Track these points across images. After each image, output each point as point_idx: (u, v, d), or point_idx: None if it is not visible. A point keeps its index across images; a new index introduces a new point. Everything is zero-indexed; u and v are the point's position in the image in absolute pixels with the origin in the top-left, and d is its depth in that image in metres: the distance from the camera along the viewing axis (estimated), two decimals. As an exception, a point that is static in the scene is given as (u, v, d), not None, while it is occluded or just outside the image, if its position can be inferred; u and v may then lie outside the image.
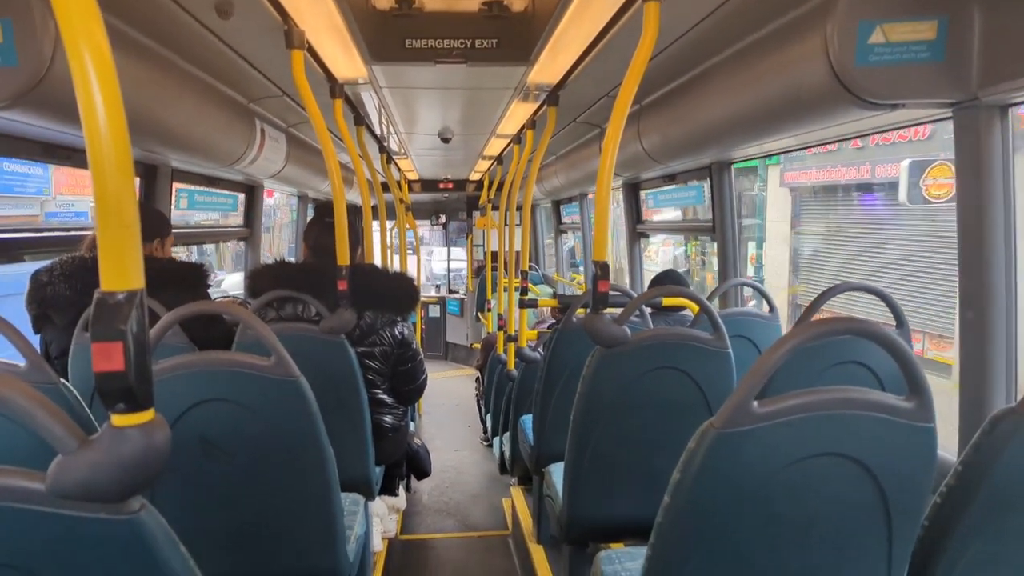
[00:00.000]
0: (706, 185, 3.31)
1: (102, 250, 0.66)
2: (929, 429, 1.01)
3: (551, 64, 2.33)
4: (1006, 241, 1.59)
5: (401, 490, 2.97)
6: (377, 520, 2.67)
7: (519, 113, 3.25)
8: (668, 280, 2.98)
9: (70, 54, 0.63)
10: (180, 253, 3.87)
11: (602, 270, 1.65)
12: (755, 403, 0.97)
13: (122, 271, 0.66)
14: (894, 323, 1.97)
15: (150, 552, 0.75)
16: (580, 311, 2.52)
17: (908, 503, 1.05)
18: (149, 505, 0.74)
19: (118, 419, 0.68)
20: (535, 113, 3.14)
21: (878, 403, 1.00)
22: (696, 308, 2.51)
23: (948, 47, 1.51)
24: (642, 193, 4.37)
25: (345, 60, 2.29)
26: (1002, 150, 1.56)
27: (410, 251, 7.73)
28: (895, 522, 1.05)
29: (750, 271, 8.55)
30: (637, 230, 4.49)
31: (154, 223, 2.44)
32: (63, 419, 0.68)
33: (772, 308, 2.66)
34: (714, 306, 2.78)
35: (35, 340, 2.27)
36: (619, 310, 1.85)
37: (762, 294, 2.78)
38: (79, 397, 1.38)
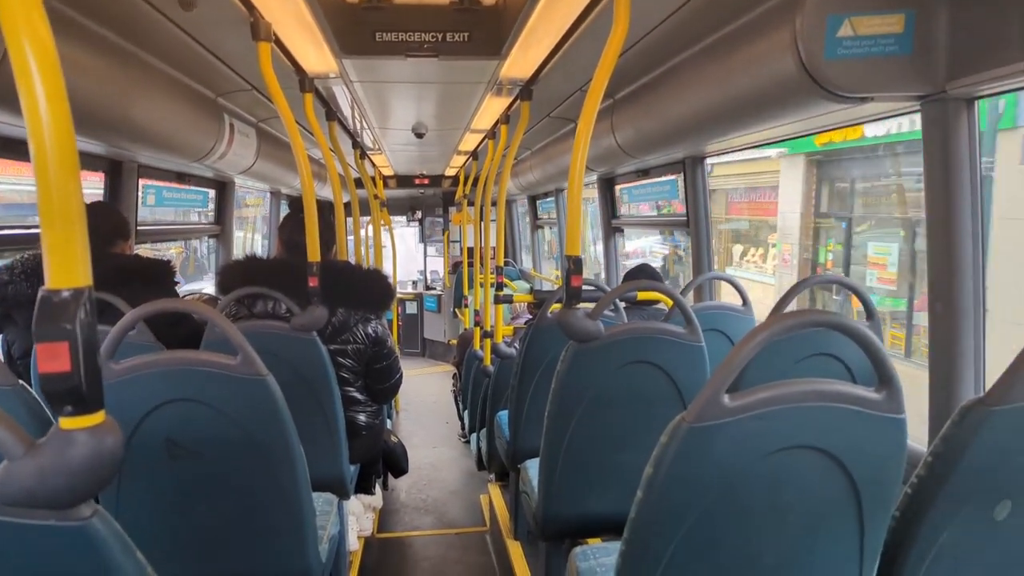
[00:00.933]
0: (679, 179, 3.32)
1: (46, 247, 0.63)
2: (899, 420, 1.02)
3: (523, 58, 2.32)
4: (974, 234, 1.61)
5: (378, 488, 2.95)
6: (353, 519, 2.64)
7: (493, 108, 3.23)
8: (642, 274, 3.00)
9: (9, 43, 0.60)
10: (147, 252, 3.78)
11: (575, 265, 1.64)
12: (726, 397, 0.97)
13: (67, 268, 0.63)
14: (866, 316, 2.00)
15: (103, 559, 0.72)
16: (555, 306, 2.51)
17: (879, 494, 1.05)
18: (102, 510, 0.72)
19: (66, 422, 0.65)
20: (508, 108, 3.12)
21: (848, 395, 1.00)
22: (670, 302, 2.51)
23: (916, 40, 1.52)
24: (617, 188, 4.38)
25: (314, 53, 2.24)
26: (969, 142, 1.59)
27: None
28: (866, 513, 1.05)
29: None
30: (612, 225, 4.50)
31: (121, 224, 2.39)
32: (8, 423, 0.65)
33: (745, 301, 2.68)
34: (688, 300, 2.79)
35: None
36: (593, 305, 1.85)
37: (736, 287, 2.79)
38: (39, 398, 1.34)
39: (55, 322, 0.63)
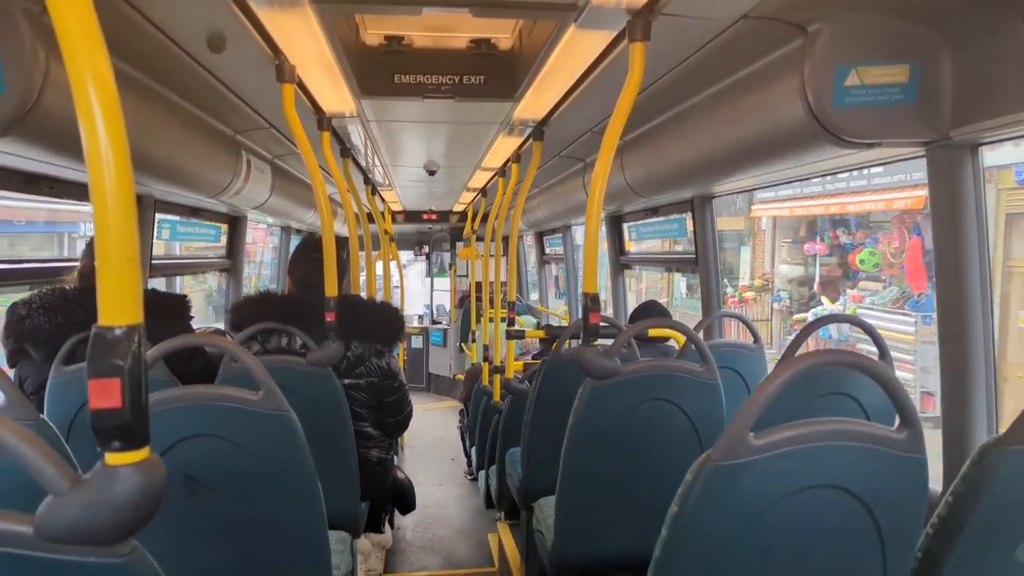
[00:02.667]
0: (688, 218, 3.36)
1: (101, 284, 0.65)
2: (920, 460, 1.03)
3: (537, 100, 2.38)
4: (981, 276, 1.64)
5: (386, 526, 2.91)
6: (362, 558, 2.61)
7: (504, 147, 3.29)
8: (652, 310, 3.01)
9: (74, 85, 0.62)
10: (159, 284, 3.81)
11: (592, 302, 1.66)
12: (752, 435, 0.98)
13: (122, 305, 0.65)
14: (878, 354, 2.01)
15: None
16: (568, 342, 2.52)
17: (902, 534, 1.06)
18: (141, 548, 0.72)
19: (112, 458, 0.66)
20: (520, 147, 3.18)
21: (872, 435, 1.01)
22: (682, 339, 2.52)
23: (920, 89, 1.57)
24: (625, 226, 4.42)
25: (334, 94, 2.31)
26: (974, 187, 1.62)
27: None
28: (889, 553, 1.05)
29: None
30: (621, 262, 4.53)
31: None
32: (54, 458, 0.66)
33: (757, 339, 2.69)
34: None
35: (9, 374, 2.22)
36: (607, 341, 1.86)
37: (747, 325, 2.81)
38: (58, 434, 1.35)
39: (108, 358, 0.64)
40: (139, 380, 0.66)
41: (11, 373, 2.18)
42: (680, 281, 12.54)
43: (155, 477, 0.68)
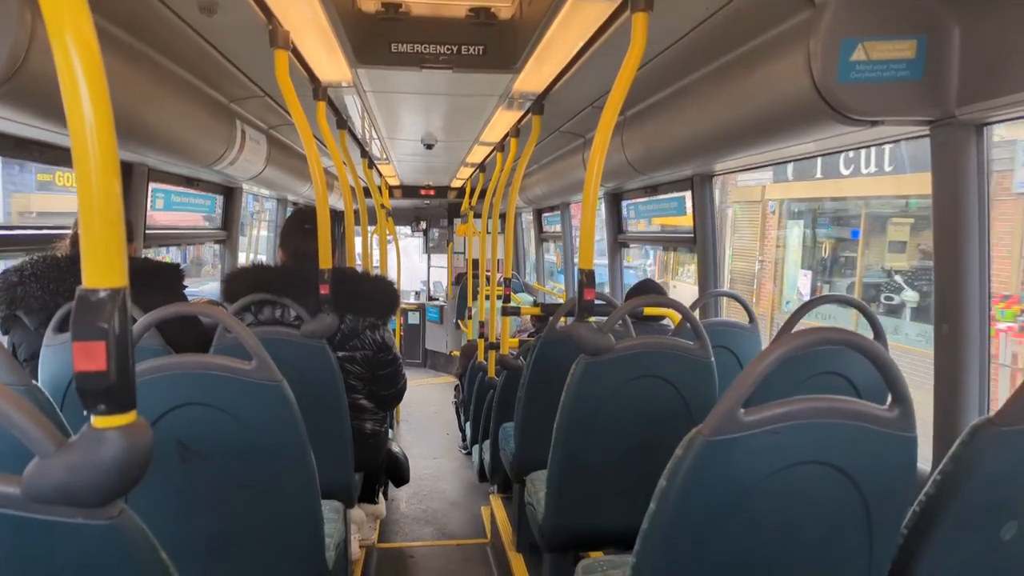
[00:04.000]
0: (687, 196, 3.34)
1: (85, 247, 0.63)
2: (910, 439, 1.03)
3: (537, 73, 2.34)
4: (980, 257, 1.63)
5: (380, 497, 2.93)
6: (355, 528, 2.63)
7: (503, 121, 3.26)
8: (648, 289, 3.00)
9: (55, 47, 0.60)
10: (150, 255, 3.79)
11: (588, 278, 1.65)
12: (742, 411, 0.98)
13: (105, 268, 0.64)
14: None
15: (129, 558, 0.72)
16: (563, 319, 2.52)
17: (888, 512, 1.06)
18: (128, 510, 0.72)
19: (98, 420, 0.65)
20: (519, 121, 3.15)
21: (862, 412, 1.01)
22: (677, 317, 2.52)
23: (927, 66, 1.55)
24: (624, 204, 4.40)
25: (329, 62, 2.27)
26: (978, 167, 1.60)
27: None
28: (876, 530, 1.06)
29: None
30: (619, 240, 4.51)
31: (127, 228, 2.39)
32: (41, 421, 0.66)
33: (752, 319, 2.69)
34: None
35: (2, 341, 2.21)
36: (601, 318, 1.86)
37: (743, 305, 2.81)
38: (51, 400, 1.34)
39: (92, 321, 0.63)
40: (124, 343, 0.65)
41: (4, 340, 2.18)
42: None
43: (141, 440, 0.67)
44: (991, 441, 1.01)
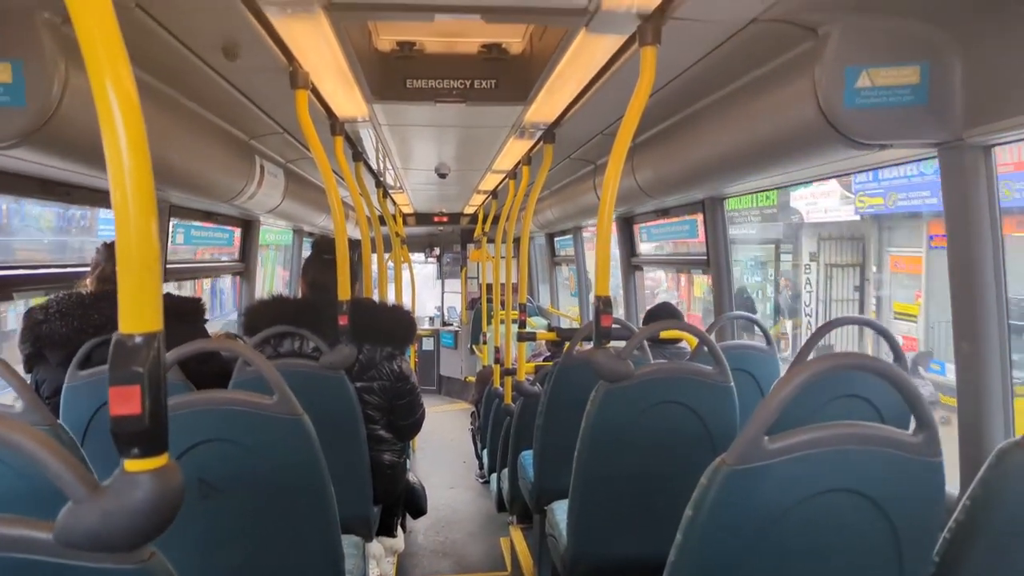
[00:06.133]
0: (699, 220, 3.35)
1: (122, 291, 0.65)
2: (937, 464, 1.02)
3: (547, 104, 2.38)
4: (996, 276, 1.62)
5: (399, 530, 2.92)
6: (374, 563, 2.61)
7: (515, 150, 3.30)
8: (664, 313, 3.00)
9: (96, 94, 0.63)
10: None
11: (604, 304, 1.66)
12: (766, 439, 0.98)
13: (142, 313, 0.66)
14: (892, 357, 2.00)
15: None
16: (580, 344, 2.52)
17: (919, 538, 1.05)
18: (158, 553, 0.73)
19: (131, 464, 0.66)
20: (531, 150, 3.19)
21: (888, 438, 1.01)
22: (694, 341, 2.52)
23: (931, 90, 1.57)
24: (636, 227, 4.42)
25: (347, 99, 2.33)
26: (987, 188, 1.61)
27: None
28: (906, 557, 1.05)
29: None
30: (632, 263, 4.52)
31: None
32: (74, 465, 0.67)
33: (769, 341, 2.68)
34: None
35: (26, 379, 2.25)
36: (619, 343, 1.86)
37: (759, 327, 2.79)
38: (74, 439, 1.37)
39: (128, 365, 0.65)
40: (158, 387, 0.67)
41: (28, 378, 2.21)
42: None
43: (173, 484, 0.68)
44: (1019, 463, 1.00)
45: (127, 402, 0.65)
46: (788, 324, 9.25)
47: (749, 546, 1.02)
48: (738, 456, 0.97)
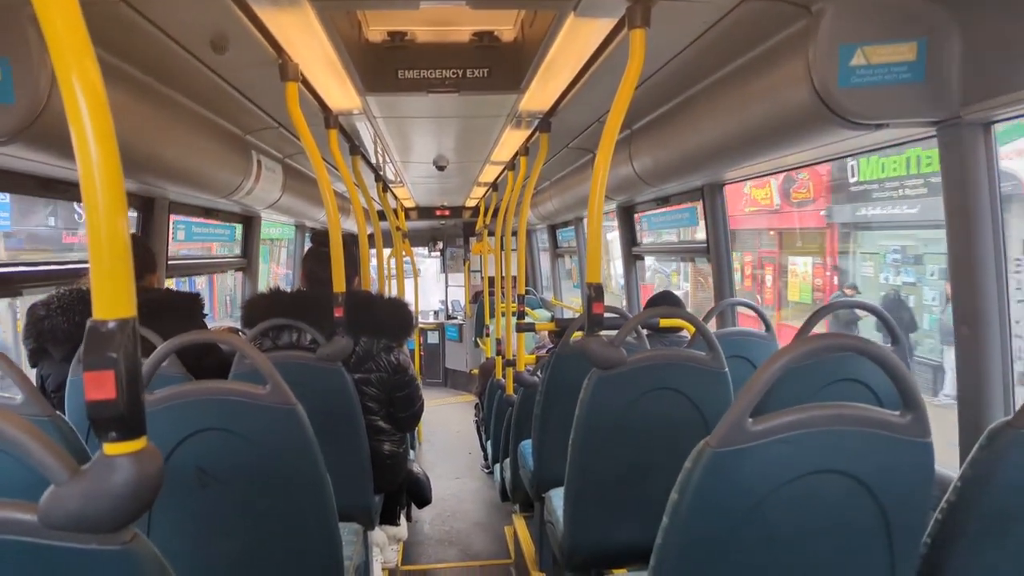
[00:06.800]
0: (699, 206, 3.34)
1: (94, 279, 0.66)
2: (925, 444, 1.01)
3: (542, 92, 2.37)
4: (995, 256, 1.60)
5: (402, 519, 2.94)
6: (378, 550, 2.63)
7: (512, 140, 3.29)
8: (664, 301, 2.99)
9: (63, 88, 0.63)
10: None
11: (596, 292, 1.66)
12: (750, 421, 0.97)
13: (114, 300, 0.66)
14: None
15: None
16: (577, 334, 2.52)
17: (908, 520, 1.04)
18: (141, 535, 0.74)
19: (110, 448, 0.67)
20: (528, 140, 3.18)
21: (873, 419, 1.00)
22: (692, 329, 2.51)
23: (928, 67, 1.54)
24: (637, 216, 4.40)
25: (339, 91, 2.32)
26: (987, 166, 1.59)
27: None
28: (896, 539, 1.04)
29: None
30: (633, 253, 4.51)
31: (147, 257, 2.45)
32: (54, 449, 0.68)
33: (768, 327, 2.66)
34: (710, 326, 2.78)
35: (31, 374, 2.27)
36: (615, 332, 1.86)
37: (758, 313, 2.78)
38: (74, 429, 1.38)
39: (102, 351, 0.66)
40: (134, 372, 0.68)
41: (33, 372, 2.23)
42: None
43: (151, 467, 0.69)
44: (1011, 444, 0.99)
45: (102, 387, 0.66)
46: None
47: (735, 528, 1.02)
48: (721, 438, 0.97)
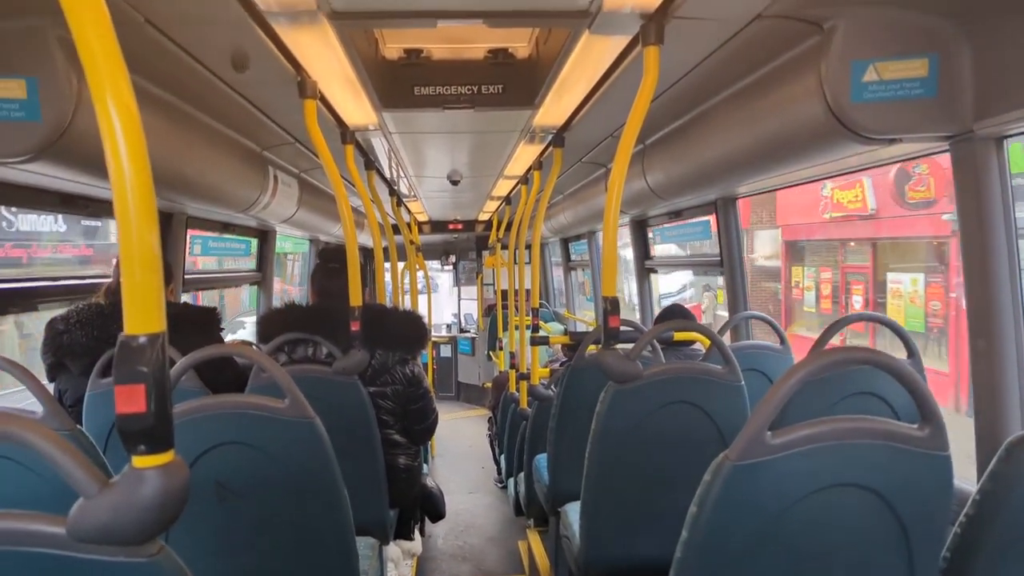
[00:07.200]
0: (712, 220, 3.34)
1: (126, 294, 0.68)
2: (944, 457, 1.01)
3: (555, 107, 2.40)
4: (1011, 269, 1.60)
5: (416, 534, 2.93)
6: (392, 565, 2.63)
7: (526, 155, 3.32)
8: (675, 314, 2.99)
9: (97, 106, 0.65)
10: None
11: (612, 305, 1.66)
12: (768, 434, 0.97)
13: (145, 315, 0.68)
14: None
15: None
16: (592, 347, 2.52)
17: (927, 533, 1.03)
18: (167, 547, 0.75)
19: (139, 461, 0.69)
20: (541, 154, 3.20)
21: (891, 432, 1.00)
22: (707, 342, 2.50)
23: (940, 83, 1.55)
24: (649, 230, 4.41)
25: (356, 108, 2.36)
26: (1000, 180, 1.59)
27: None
28: (915, 553, 1.03)
29: None
30: (646, 266, 4.51)
31: (164, 271, 2.48)
32: (84, 463, 0.69)
33: (783, 341, 2.65)
34: (725, 340, 2.78)
35: (49, 388, 2.30)
36: (630, 345, 1.86)
37: (773, 327, 2.77)
38: (94, 443, 1.40)
39: (133, 365, 0.67)
40: (163, 385, 0.69)
41: (51, 387, 2.26)
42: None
43: (179, 479, 0.70)
44: None
45: (132, 400, 0.68)
46: None
47: (754, 541, 1.01)
48: (740, 452, 0.97)
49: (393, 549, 2.69)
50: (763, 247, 11.51)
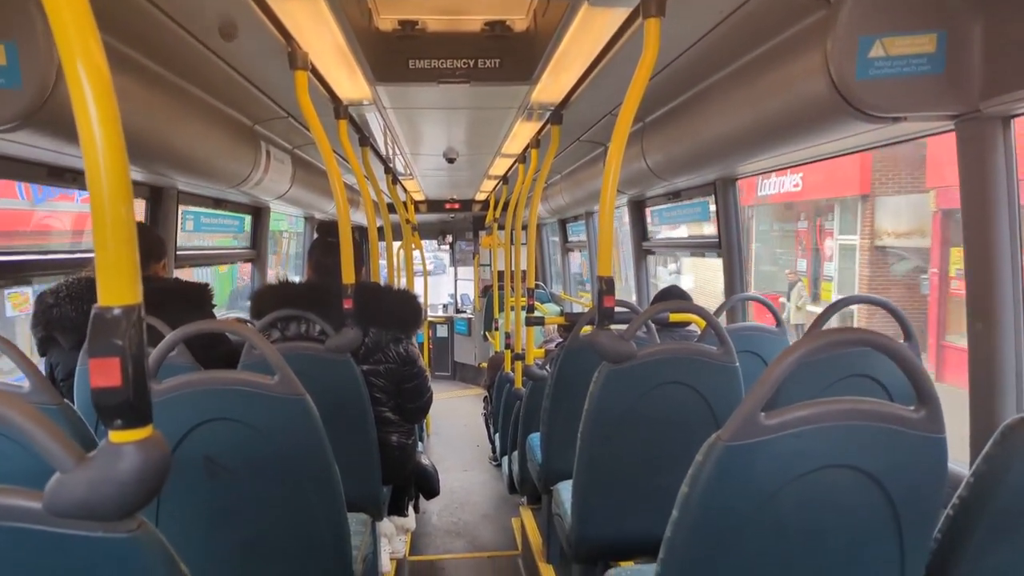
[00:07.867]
0: (711, 201, 3.31)
1: (99, 266, 0.65)
2: (939, 440, 1.00)
3: (554, 83, 2.35)
4: (1012, 252, 1.58)
5: (410, 510, 2.95)
6: (385, 540, 2.64)
7: (523, 132, 3.27)
8: (672, 296, 2.98)
9: (67, 72, 0.62)
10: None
11: (607, 285, 1.64)
12: (762, 415, 0.96)
13: (119, 286, 0.66)
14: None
15: (149, 570, 0.73)
16: (586, 328, 2.51)
17: (919, 515, 1.03)
18: (148, 523, 0.73)
19: (116, 435, 0.67)
20: (539, 132, 3.16)
21: (886, 414, 0.98)
22: (703, 323, 2.49)
23: (948, 60, 1.51)
24: (647, 211, 4.38)
25: (349, 81, 2.31)
26: (1006, 161, 1.56)
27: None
28: (906, 535, 1.03)
29: None
30: (643, 247, 4.49)
31: (155, 245, 2.45)
32: (60, 437, 0.67)
33: (779, 322, 2.64)
34: (721, 321, 2.77)
35: (40, 363, 2.28)
36: (625, 326, 1.84)
37: (769, 308, 2.76)
38: (82, 418, 1.38)
39: (107, 338, 0.65)
40: (139, 359, 0.67)
41: (42, 361, 2.24)
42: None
43: (157, 454, 0.69)
44: None
45: (108, 374, 0.65)
46: None
47: (745, 521, 1.00)
48: (733, 432, 0.96)
49: (387, 525, 2.70)
50: (892, 221, 9.37)
